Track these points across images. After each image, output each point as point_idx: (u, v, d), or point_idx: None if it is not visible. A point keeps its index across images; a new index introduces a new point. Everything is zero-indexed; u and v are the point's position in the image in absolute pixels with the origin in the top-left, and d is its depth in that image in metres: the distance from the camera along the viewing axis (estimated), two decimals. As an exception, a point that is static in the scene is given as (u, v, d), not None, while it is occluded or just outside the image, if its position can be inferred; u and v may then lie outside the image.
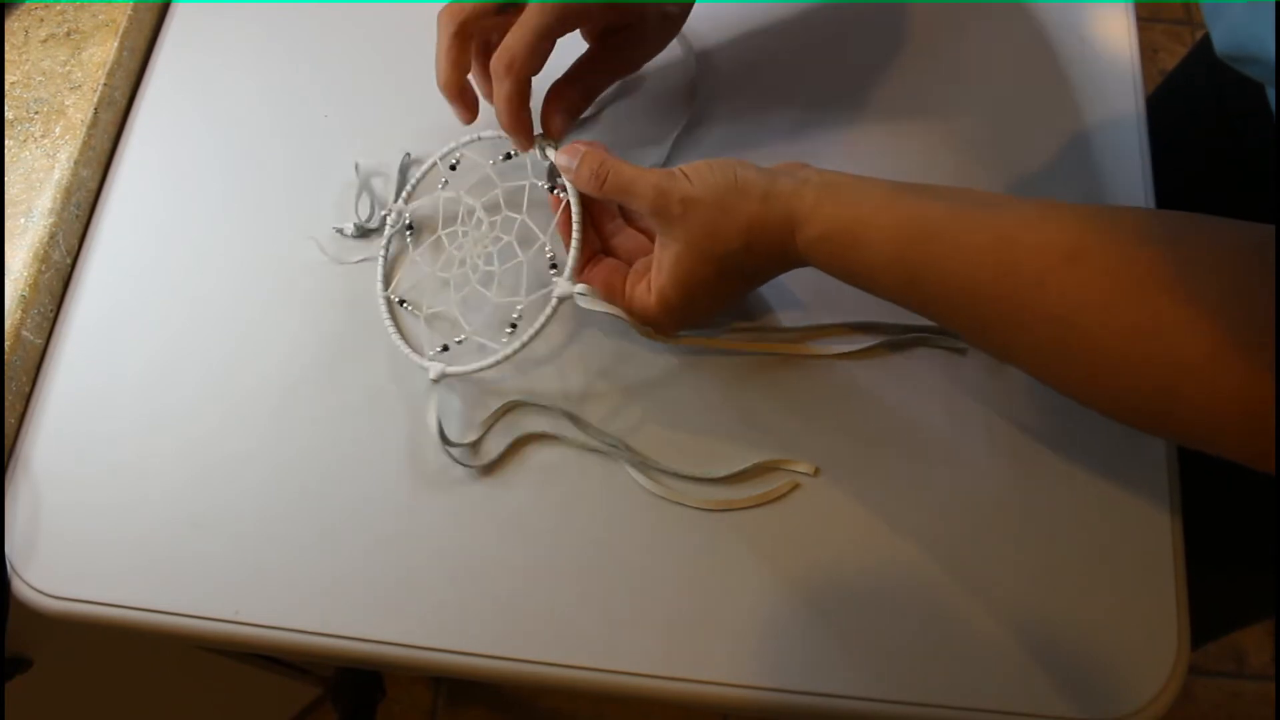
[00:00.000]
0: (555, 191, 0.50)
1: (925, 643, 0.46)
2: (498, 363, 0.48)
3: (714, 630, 0.46)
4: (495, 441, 0.50)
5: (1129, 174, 0.56)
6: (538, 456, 0.50)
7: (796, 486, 0.49)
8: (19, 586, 0.47)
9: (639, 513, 0.49)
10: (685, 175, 0.46)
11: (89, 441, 0.50)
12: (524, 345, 0.48)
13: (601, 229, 0.51)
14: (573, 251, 0.48)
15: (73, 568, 0.48)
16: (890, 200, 0.43)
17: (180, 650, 0.71)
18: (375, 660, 0.47)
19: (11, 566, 0.48)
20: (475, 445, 0.50)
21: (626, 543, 0.48)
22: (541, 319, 0.48)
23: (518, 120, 0.48)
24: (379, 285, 0.53)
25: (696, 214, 0.45)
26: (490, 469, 0.49)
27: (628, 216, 0.52)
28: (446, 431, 0.49)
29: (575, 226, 0.48)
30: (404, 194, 0.54)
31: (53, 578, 0.47)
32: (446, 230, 0.54)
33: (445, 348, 0.51)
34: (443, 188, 0.54)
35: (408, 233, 0.54)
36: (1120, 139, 0.57)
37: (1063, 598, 0.47)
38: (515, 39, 0.46)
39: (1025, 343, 0.41)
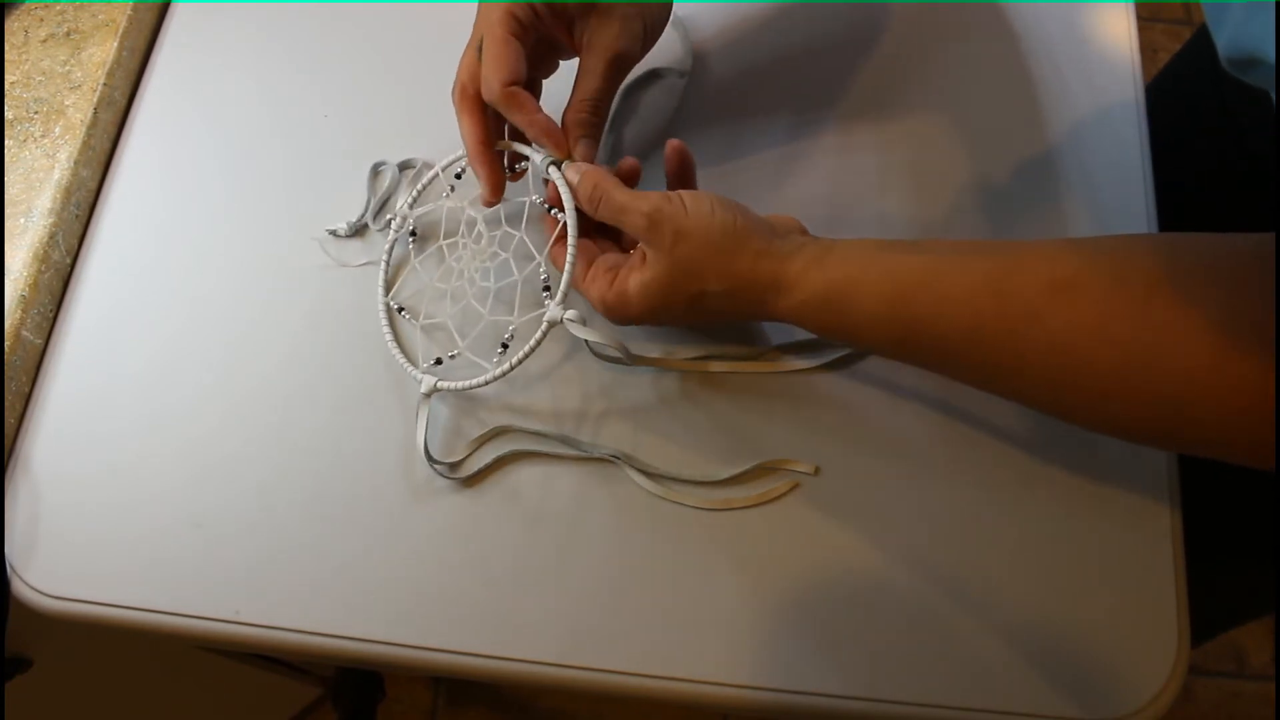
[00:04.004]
0: (552, 212, 0.50)
1: (925, 642, 0.46)
2: (486, 383, 0.49)
3: (714, 630, 0.46)
4: (486, 453, 0.50)
5: (1130, 173, 0.56)
6: (533, 462, 0.50)
7: (796, 486, 0.49)
8: (19, 586, 0.47)
9: (639, 514, 0.49)
10: (684, 205, 0.45)
11: (89, 441, 0.50)
12: (512, 367, 0.48)
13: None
14: (565, 276, 0.48)
15: (73, 568, 0.48)
16: (875, 259, 0.43)
17: (180, 650, 0.71)
18: (375, 660, 0.47)
19: (11, 566, 0.48)
20: (460, 464, 0.50)
21: (626, 543, 0.48)
22: (531, 343, 0.48)
23: (535, 126, 0.48)
24: (380, 291, 0.53)
25: (685, 249, 0.45)
26: (489, 471, 0.49)
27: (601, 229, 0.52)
28: (440, 438, 0.50)
29: (570, 250, 0.48)
30: (409, 199, 0.54)
31: (53, 578, 0.47)
32: (448, 241, 0.54)
33: (439, 361, 0.51)
34: (447, 196, 0.54)
35: (411, 239, 0.54)
36: (1120, 138, 0.57)
37: (1063, 597, 0.47)
38: (484, 62, 0.47)
39: (1028, 379, 0.41)
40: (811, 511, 0.49)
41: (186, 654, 0.71)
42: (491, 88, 0.47)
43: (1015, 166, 0.57)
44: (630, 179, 0.51)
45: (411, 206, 0.54)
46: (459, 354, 0.51)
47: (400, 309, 0.53)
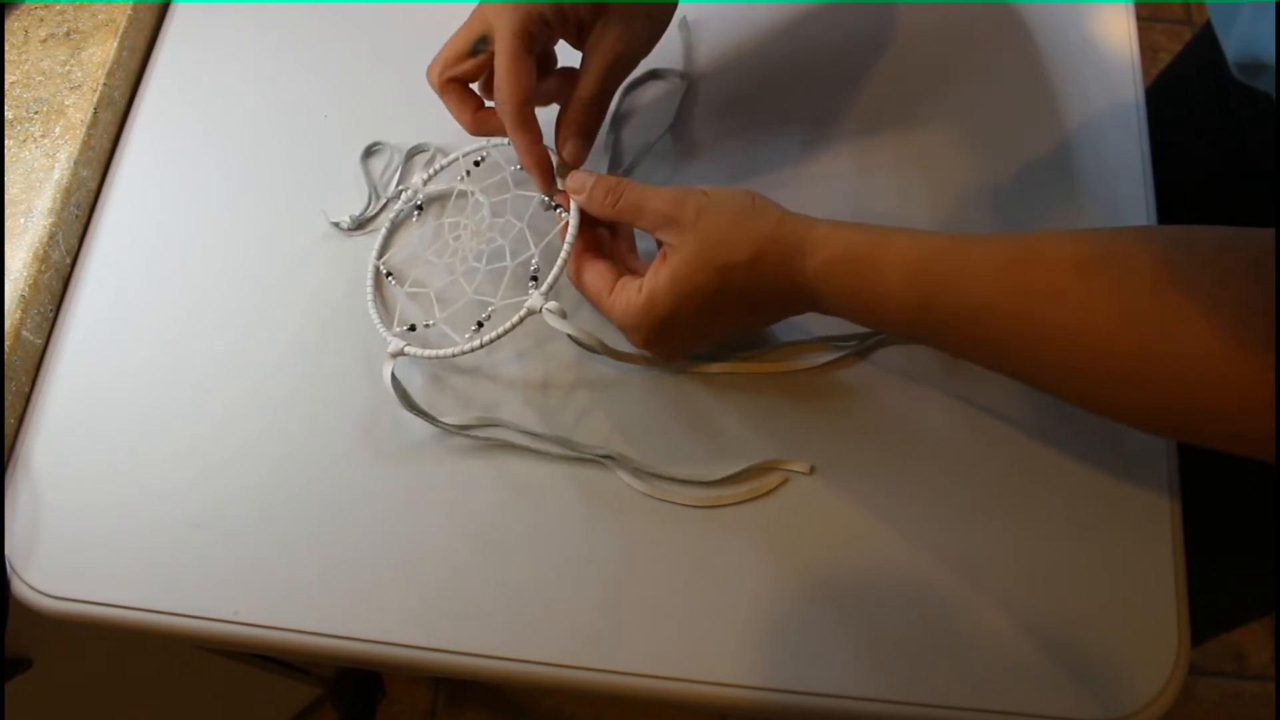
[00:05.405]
0: (558, 211, 0.50)
1: (924, 642, 0.46)
2: (454, 355, 0.49)
3: (712, 630, 0.46)
4: (473, 434, 0.50)
5: (1130, 173, 0.56)
6: (530, 461, 0.50)
7: (786, 481, 0.49)
8: (19, 586, 0.47)
9: (637, 513, 0.49)
10: (703, 190, 0.46)
11: (89, 441, 0.50)
12: (482, 345, 0.48)
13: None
14: (555, 269, 0.48)
15: (73, 568, 0.48)
16: (900, 229, 0.44)
17: (180, 650, 0.71)
18: (375, 660, 0.47)
19: (11, 566, 0.48)
20: (449, 427, 0.50)
21: (627, 543, 0.48)
22: (506, 325, 0.48)
23: (532, 156, 0.49)
24: (374, 253, 0.54)
25: (708, 222, 0.45)
26: (486, 472, 0.49)
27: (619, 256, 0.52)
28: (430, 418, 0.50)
29: (565, 247, 0.48)
30: (426, 176, 0.55)
31: (53, 578, 0.47)
32: (450, 219, 0.55)
33: (412, 328, 0.52)
34: (461, 180, 0.55)
35: (416, 212, 0.55)
36: (1121, 139, 0.57)
37: (1062, 598, 0.47)
38: (497, 77, 0.47)
39: (1044, 359, 0.41)
40: (808, 512, 0.49)
41: (186, 654, 0.71)
42: (505, 106, 0.47)
43: (1015, 167, 0.57)
44: None
45: (426, 183, 0.55)
46: (435, 324, 0.52)
47: (388, 273, 0.54)
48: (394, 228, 0.55)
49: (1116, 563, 0.47)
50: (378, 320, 0.52)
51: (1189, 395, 0.37)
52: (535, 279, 0.50)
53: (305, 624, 0.47)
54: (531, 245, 0.52)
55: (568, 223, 0.49)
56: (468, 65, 0.49)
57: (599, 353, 0.50)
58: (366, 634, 0.46)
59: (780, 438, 0.50)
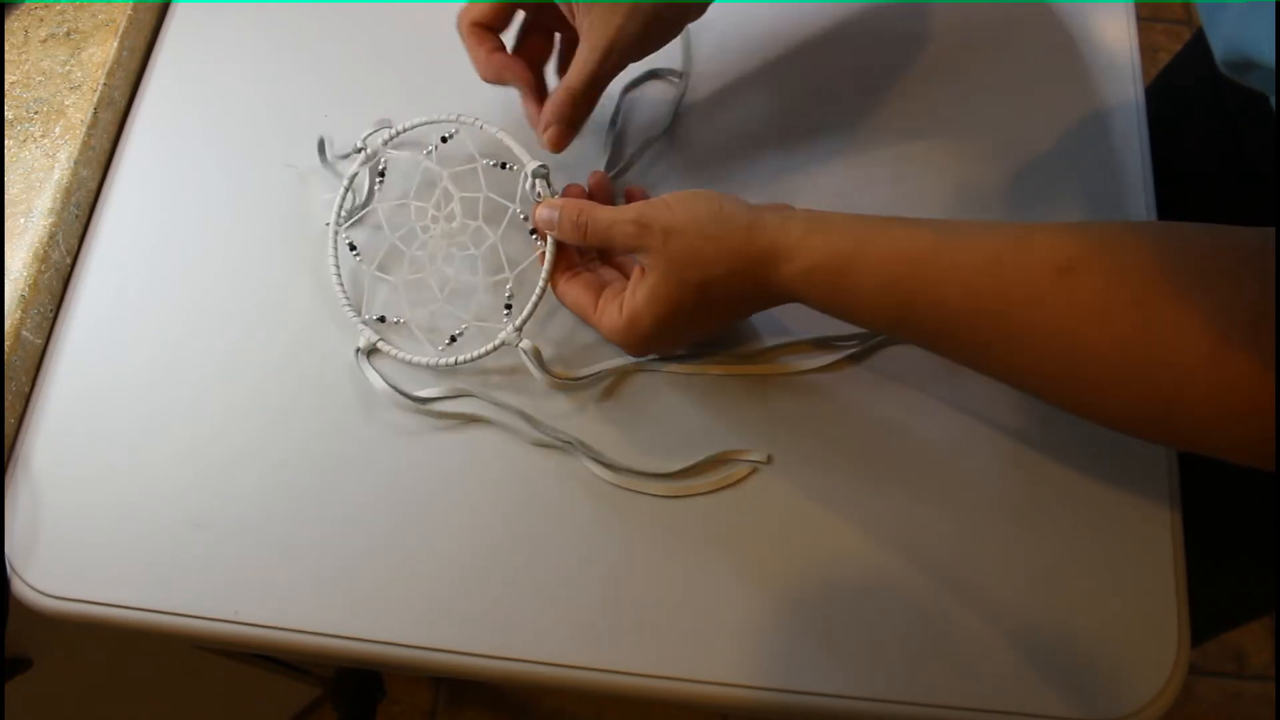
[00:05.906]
0: (534, 238, 0.51)
1: (924, 642, 0.46)
2: (427, 366, 0.50)
3: (713, 629, 0.46)
4: (448, 405, 0.50)
5: (1129, 173, 0.56)
6: (530, 462, 0.50)
7: (755, 470, 0.49)
8: (19, 586, 0.47)
9: (634, 512, 0.49)
10: (667, 204, 0.46)
11: (89, 441, 0.50)
12: (455, 364, 0.49)
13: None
14: (529, 306, 0.49)
15: (73, 568, 0.48)
16: (879, 230, 0.43)
17: (180, 650, 0.71)
18: (375, 660, 0.47)
19: (11, 566, 0.48)
20: (429, 400, 0.50)
21: (624, 543, 0.48)
22: (479, 351, 0.49)
23: (483, 71, 0.50)
24: (332, 215, 0.53)
25: (678, 242, 0.45)
26: (487, 473, 0.49)
27: (604, 256, 0.53)
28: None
29: (540, 281, 0.49)
30: (389, 135, 0.54)
31: (53, 578, 0.47)
32: (417, 203, 0.54)
33: (382, 319, 0.52)
34: (427, 155, 0.54)
35: (380, 180, 0.54)
36: (1120, 139, 0.57)
37: (1062, 597, 0.47)
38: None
39: (1025, 361, 0.41)
40: (811, 512, 0.49)
41: (186, 654, 0.71)
42: (461, 20, 0.49)
43: (1014, 167, 0.57)
44: (600, 191, 0.52)
45: (387, 143, 0.54)
46: (404, 324, 0.52)
47: (352, 245, 0.53)
48: (353, 192, 0.54)
49: (1117, 563, 0.47)
50: (345, 302, 0.51)
51: (1172, 402, 0.37)
52: (509, 307, 0.51)
53: (305, 624, 0.47)
54: (506, 268, 0.52)
55: (544, 253, 0.49)
56: (492, 9, 0.50)
57: (573, 388, 0.51)
58: (367, 634, 0.46)
59: (780, 437, 0.50)
